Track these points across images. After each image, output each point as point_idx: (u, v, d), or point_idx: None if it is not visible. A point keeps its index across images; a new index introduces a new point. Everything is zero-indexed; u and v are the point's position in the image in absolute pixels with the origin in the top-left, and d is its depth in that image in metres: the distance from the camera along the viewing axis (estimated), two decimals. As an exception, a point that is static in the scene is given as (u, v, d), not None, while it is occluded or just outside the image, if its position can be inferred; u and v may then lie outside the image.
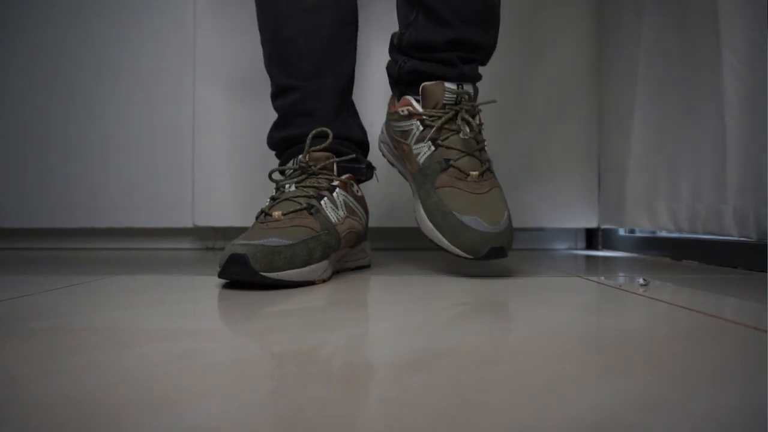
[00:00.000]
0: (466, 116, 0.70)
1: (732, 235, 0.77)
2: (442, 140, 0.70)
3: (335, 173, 0.73)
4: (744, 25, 0.74)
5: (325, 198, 0.69)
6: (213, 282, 0.61)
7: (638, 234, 1.13)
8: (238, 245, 0.56)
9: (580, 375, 0.29)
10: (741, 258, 0.78)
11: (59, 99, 1.20)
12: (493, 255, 0.63)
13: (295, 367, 0.30)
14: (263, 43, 0.81)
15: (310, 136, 0.70)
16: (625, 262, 0.94)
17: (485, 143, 0.73)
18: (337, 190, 0.71)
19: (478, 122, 0.73)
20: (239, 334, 0.39)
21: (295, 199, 0.67)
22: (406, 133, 0.74)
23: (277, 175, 0.73)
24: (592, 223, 1.20)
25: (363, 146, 0.82)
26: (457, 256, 0.64)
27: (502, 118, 1.18)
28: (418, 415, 0.23)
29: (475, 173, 0.68)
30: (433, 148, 0.70)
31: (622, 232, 1.17)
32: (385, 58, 0.82)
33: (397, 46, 0.78)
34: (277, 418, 0.23)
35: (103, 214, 1.21)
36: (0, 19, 1.21)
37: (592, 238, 1.25)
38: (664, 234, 1.04)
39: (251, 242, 0.57)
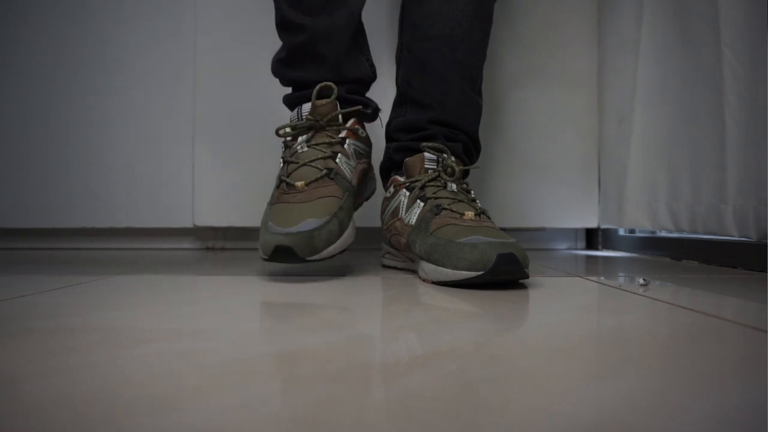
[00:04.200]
0: (445, 177, 0.70)
1: (732, 235, 0.77)
2: (431, 194, 0.69)
3: (341, 122, 0.73)
4: (744, 25, 0.74)
5: (339, 154, 0.70)
6: (213, 282, 0.61)
7: (638, 234, 1.13)
8: (280, 236, 0.59)
9: (580, 375, 0.29)
10: (741, 258, 0.78)
11: (59, 99, 1.20)
12: (504, 265, 0.55)
13: (295, 366, 0.30)
14: None
15: (314, 92, 0.70)
16: (625, 262, 0.94)
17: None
18: (348, 141, 0.72)
19: (465, 187, 0.72)
20: (239, 334, 0.39)
21: (312, 164, 0.68)
22: (396, 209, 0.74)
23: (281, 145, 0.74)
24: (592, 223, 1.20)
25: (372, 82, 0.82)
26: (464, 280, 0.57)
27: (503, 119, 1.18)
28: (418, 415, 0.23)
29: (470, 213, 0.64)
30: (422, 203, 0.69)
31: (622, 232, 1.17)
32: (385, 57, 0.82)
33: (386, 136, 0.82)
34: (277, 419, 0.23)
35: (103, 214, 1.20)
36: (0, 19, 1.21)
37: (592, 238, 1.25)
38: (664, 234, 1.04)
39: (291, 231, 0.59)
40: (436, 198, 0.68)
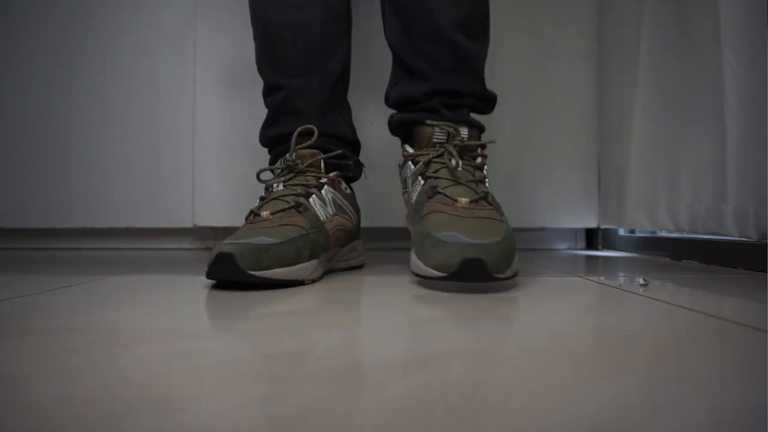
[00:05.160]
0: (452, 150, 0.67)
1: (732, 235, 0.77)
2: (432, 172, 0.67)
3: (323, 171, 0.73)
4: (744, 25, 0.74)
5: (314, 195, 0.69)
6: (212, 282, 0.61)
7: (638, 234, 1.13)
8: (225, 245, 0.57)
9: (580, 375, 0.29)
10: (741, 258, 0.78)
11: (59, 99, 1.20)
12: (469, 270, 0.51)
13: (294, 367, 0.30)
14: (255, 40, 0.82)
15: (295, 134, 0.70)
16: (625, 262, 0.94)
17: (486, 180, 0.67)
18: (326, 187, 0.71)
19: (479, 162, 0.68)
20: (238, 335, 0.39)
21: (283, 198, 0.67)
22: (405, 181, 0.73)
23: (268, 175, 0.73)
24: (592, 223, 1.20)
25: (352, 144, 0.82)
26: (431, 279, 0.55)
27: (503, 119, 1.18)
28: (418, 415, 0.23)
29: (464, 200, 0.60)
30: (422, 181, 0.67)
31: (622, 232, 1.17)
32: (382, 56, 0.82)
33: (386, 103, 0.80)
34: (277, 419, 0.23)
35: (103, 214, 1.21)
36: (0, 19, 1.21)
37: (592, 238, 1.25)
38: (664, 234, 1.04)
39: (238, 241, 0.57)
40: (435, 178, 0.65)
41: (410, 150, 0.73)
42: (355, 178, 0.82)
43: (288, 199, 0.67)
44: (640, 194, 1.01)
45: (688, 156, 0.88)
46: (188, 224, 1.20)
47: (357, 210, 0.80)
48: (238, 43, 1.16)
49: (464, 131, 0.69)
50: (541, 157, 1.19)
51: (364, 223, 0.85)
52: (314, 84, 0.77)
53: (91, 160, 1.21)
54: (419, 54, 0.72)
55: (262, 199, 0.70)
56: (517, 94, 1.18)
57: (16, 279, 0.70)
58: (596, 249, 1.22)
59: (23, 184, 1.21)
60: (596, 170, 1.19)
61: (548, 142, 1.19)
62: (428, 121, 0.69)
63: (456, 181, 0.64)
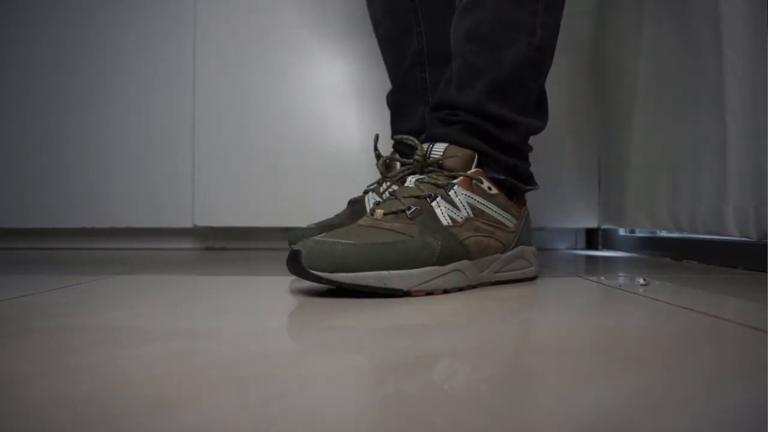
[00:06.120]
0: (411, 170, 0.64)
1: (732, 235, 0.77)
2: (391, 190, 0.66)
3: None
4: (744, 25, 0.74)
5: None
6: (212, 282, 0.61)
7: (638, 234, 1.13)
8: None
9: (580, 375, 0.29)
10: (741, 258, 0.78)
11: (59, 99, 1.20)
12: (290, 259, 0.51)
13: (294, 367, 0.30)
14: None
15: (395, 140, 0.78)
16: (625, 262, 0.94)
17: (435, 196, 0.59)
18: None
19: (436, 181, 0.60)
20: (238, 335, 0.39)
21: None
22: None
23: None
24: (592, 223, 1.20)
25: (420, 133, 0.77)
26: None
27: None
28: (417, 415, 0.23)
29: (380, 212, 0.57)
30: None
31: (622, 232, 1.17)
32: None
33: None
34: (277, 419, 0.23)
35: (103, 214, 1.21)
36: (0, 19, 1.21)
37: (592, 238, 1.25)
38: (664, 234, 1.04)
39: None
40: (390, 194, 0.62)
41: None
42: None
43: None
44: (640, 194, 1.01)
45: (688, 156, 0.88)
46: (188, 224, 1.20)
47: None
48: (238, 44, 1.16)
49: (438, 148, 0.62)
50: (542, 157, 1.18)
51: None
52: (396, 83, 0.90)
53: (91, 161, 1.21)
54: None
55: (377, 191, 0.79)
56: (517, 94, 1.18)
57: (16, 279, 0.70)
58: (596, 249, 1.22)
59: (23, 184, 1.21)
60: (596, 170, 1.19)
61: (548, 143, 1.18)
62: (396, 136, 0.67)
63: (392, 197, 0.60)
